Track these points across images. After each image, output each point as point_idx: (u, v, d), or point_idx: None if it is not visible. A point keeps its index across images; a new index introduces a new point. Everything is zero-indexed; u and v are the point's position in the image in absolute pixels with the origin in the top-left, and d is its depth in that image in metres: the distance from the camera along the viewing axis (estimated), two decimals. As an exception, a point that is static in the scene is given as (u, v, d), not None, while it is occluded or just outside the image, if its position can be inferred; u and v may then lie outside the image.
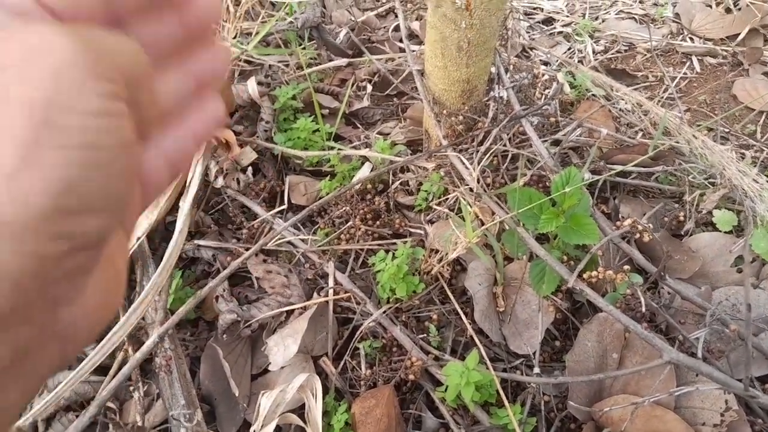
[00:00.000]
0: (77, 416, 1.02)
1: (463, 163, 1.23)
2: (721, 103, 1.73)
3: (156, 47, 0.33)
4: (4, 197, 0.22)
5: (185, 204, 1.23)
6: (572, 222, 1.03)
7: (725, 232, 1.24)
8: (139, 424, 1.01)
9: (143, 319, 1.17)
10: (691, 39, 2.01)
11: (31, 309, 0.24)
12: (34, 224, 0.22)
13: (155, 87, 0.31)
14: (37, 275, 0.23)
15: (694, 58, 1.92)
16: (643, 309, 1.03)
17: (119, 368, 1.12)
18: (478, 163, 1.23)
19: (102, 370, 1.13)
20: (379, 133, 1.68)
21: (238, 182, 1.35)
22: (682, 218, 1.28)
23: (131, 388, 1.07)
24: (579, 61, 1.92)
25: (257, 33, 1.72)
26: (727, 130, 1.45)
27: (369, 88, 1.79)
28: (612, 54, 1.98)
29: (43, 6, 0.26)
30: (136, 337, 1.13)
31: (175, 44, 0.34)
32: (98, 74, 0.24)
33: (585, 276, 1.08)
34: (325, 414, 1.10)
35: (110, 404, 1.09)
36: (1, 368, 0.23)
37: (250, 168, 1.37)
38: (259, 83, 1.59)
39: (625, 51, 2.00)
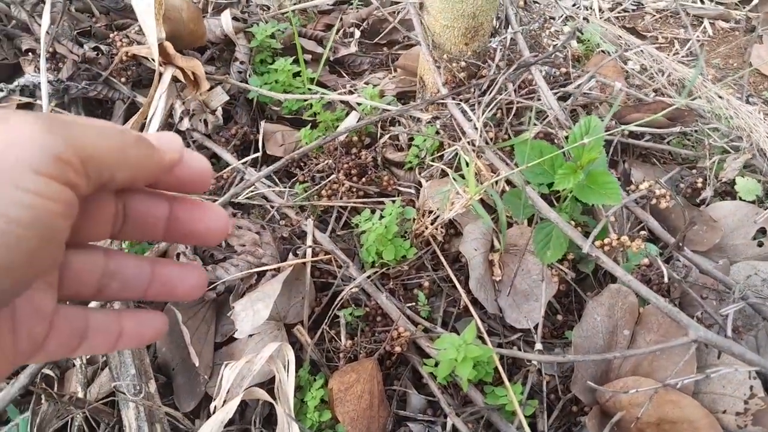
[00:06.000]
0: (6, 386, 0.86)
1: (465, 114, 1.08)
2: (734, 68, 1.61)
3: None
4: None
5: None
6: (590, 180, 0.90)
7: (748, 202, 1.13)
8: (80, 395, 0.86)
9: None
10: (702, 1, 1.89)
11: None
12: None
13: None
14: None
15: (705, 21, 1.79)
16: (666, 279, 0.91)
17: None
18: (481, 114, 1.09)
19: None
20: (367, 83, 1.52)
21: (206, 124, 1.18)
22: (699, 185, 1.16)
23: (72, 355, 0.92)
24: (584, 19, 1.77)
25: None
26: (750, 93, 1.34)
27: (357, 33, 1.62)
28: (619, 13, 1.84)
29: None
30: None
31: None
32: (50, 155, 0.25)
33: (596, 244, 0.96)
34: (299, 389, 0.97)
35: (48, 372, 0.94)
36: None
37: (220, 109, 1.20)
38: (235, 18, 1.41)
39: (633, 11, 1.87)
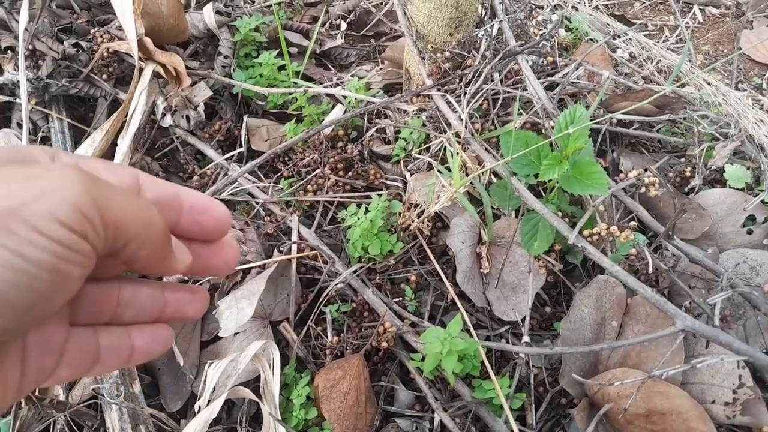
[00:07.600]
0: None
1: (450, 105, 1.07)
2: (724, 54, 1.59)
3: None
4: None
5: (124, 141, 1.04)
6: (576, 170, 0.89)
7: (737, 190, 1.12)
8: (61, 398, 0.85)
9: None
10: (693, -13, 1.87)
11: None
12: None
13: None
14: None
15: (695, 7, 1.77)
16: (650, 270, 0.90)
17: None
18: (467, 106, 1.08)
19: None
20: (354, 75, 1.50)
21: (188, 120, 1.16)
22: (688, 174, 1.15)
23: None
24: (573, 7, 1.76)
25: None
26: (739, 79, 1.32)
27: (343, 25, 1.60)
28: (608, 0, 1.82)
29: None
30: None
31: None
32: (78, 212, 0.27)
33: (585, 234, 0.95)
34: (285, 387, 0.96)
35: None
36: None
37: (202, 104, 1.18)
38: (218, 12, 1.39)
39: (623, -2, 1.85)
